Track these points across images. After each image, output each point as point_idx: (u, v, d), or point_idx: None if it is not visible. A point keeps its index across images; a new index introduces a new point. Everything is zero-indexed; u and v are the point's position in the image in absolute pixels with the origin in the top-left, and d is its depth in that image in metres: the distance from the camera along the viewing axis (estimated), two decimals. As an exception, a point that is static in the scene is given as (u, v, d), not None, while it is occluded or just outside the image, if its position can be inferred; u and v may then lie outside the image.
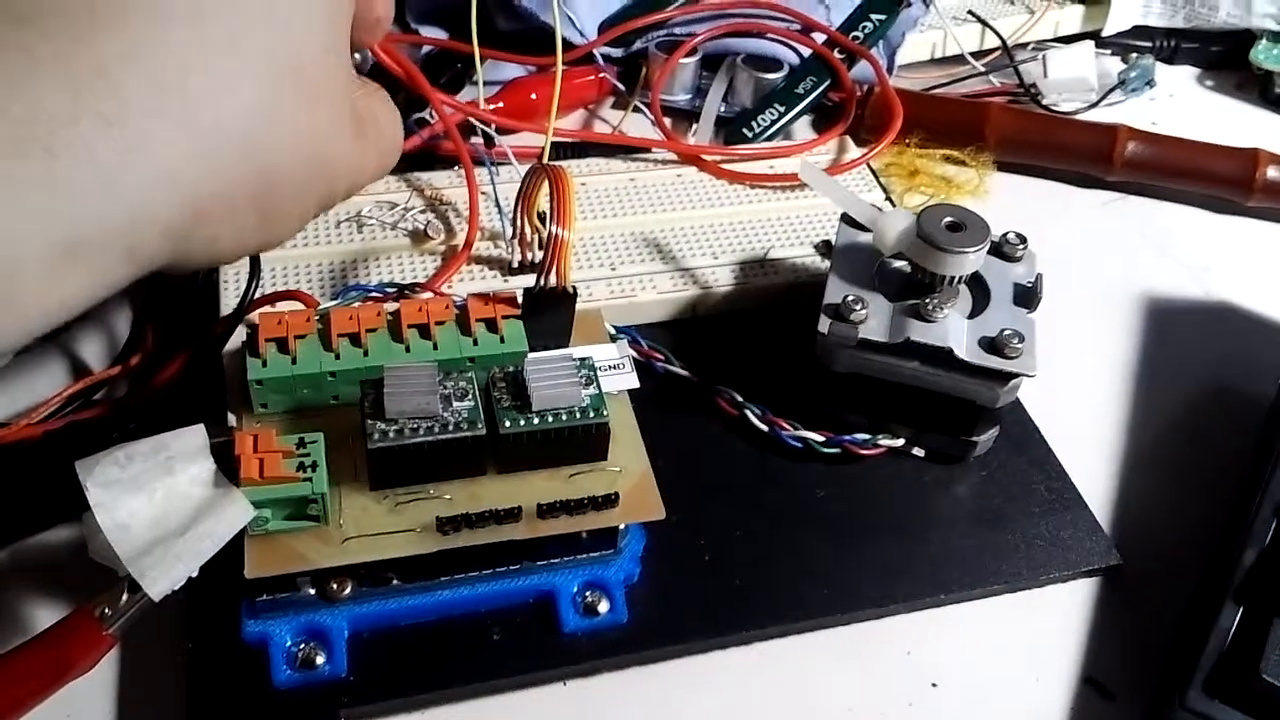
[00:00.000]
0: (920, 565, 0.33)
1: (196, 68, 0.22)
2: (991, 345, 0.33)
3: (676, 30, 0.50)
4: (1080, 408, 0.39)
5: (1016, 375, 0.32)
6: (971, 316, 0.34)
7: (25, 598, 0.31)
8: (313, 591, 0.29)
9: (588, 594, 0.31)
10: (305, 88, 0.25)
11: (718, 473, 0.35)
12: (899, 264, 0.36)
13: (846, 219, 0.37)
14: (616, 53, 0.51)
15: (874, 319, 0.33)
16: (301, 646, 0.29)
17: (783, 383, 0.36)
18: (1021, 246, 0.36)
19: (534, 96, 0.47)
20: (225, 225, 0.25)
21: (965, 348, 0.33)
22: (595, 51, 0.49)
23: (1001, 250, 0.36)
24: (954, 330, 0.33)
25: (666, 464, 0.31)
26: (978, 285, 0.35)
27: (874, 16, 0.52)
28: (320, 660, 0.28)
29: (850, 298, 0.33)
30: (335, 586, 0.29)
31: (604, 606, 0.30)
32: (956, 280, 0.33)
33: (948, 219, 0.33)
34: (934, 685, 0.31)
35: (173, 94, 0.22)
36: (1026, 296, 0.34)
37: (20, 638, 0.26)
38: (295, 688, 0.28)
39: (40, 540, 0.32)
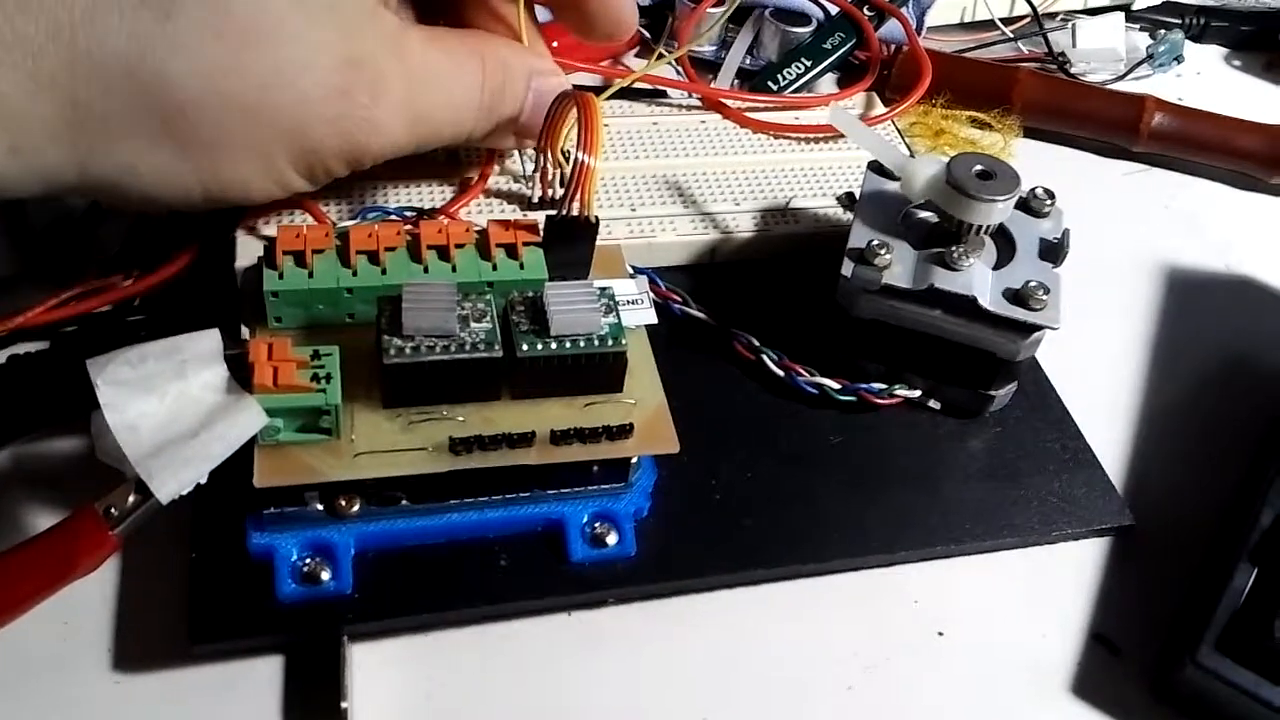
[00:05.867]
0: (931, 515, 0.33)
1: None
2: (1016, 296, 0.32)
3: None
4: (1098, 372, 0.39)
5: (1040, 327, 0.32)
6: (996, 269, 0.34)
7: (27, 501, 0.30)
8: (320, 508, 0.29)
9: (597, 525, 0.30)
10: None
11: (731, 415, 0.34)
12: (925, 214, 0.35)
13: (873, 167, 0.36)
14: (644, 1, 0.50)
15: (898, 265, 0.33)
16: (307, 561, 0.28)
17: (801, 330, 0.36)
18: (1049, 202, 0.35)
19: (555, 45, 0.46)
20: (129, 146, 0.25)
21: (989, 298, 0.32)
22: None
23: (1029, 205, 0.35)
24: (978, 280, 0.32)
25: (681, 404, 0.30)
26: (1003, 239, 0.35)
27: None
28: (325, 576, 0.28)
29: (875, 243, 0.33)
30: (344, 503, 0.29)
31: (612, 539, 0.30)
32: (984, 230, 0.33)
33: (978, 167, 0.33)
34: (940, 634, 0.31)
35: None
36: (1052, 251, 0.34)
37: (20, 540, 0.26)
38: (299, 602, 0.28)
39: (45, 445, 0.31)
